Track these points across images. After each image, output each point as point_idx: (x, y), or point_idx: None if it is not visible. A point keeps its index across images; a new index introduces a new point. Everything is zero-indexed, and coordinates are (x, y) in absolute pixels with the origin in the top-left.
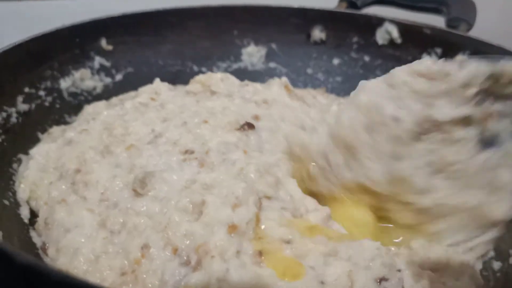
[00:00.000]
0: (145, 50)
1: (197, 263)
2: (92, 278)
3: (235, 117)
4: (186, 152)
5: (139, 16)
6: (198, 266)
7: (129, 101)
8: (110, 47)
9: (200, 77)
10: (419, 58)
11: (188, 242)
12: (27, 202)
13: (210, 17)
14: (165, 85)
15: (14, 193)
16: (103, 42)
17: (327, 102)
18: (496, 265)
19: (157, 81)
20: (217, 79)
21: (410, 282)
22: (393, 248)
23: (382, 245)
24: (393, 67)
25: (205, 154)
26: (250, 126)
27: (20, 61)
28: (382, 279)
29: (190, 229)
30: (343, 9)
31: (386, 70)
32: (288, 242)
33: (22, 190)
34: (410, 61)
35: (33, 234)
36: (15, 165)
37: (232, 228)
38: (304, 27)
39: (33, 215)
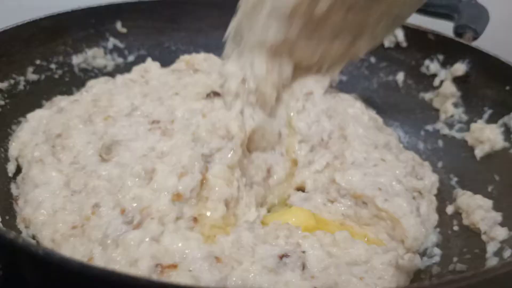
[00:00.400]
0: (158, 35)
1: (139, 223)
2: (47, 229)
3: (205, 88)
4: (153, 122)
5: (155, 3)
6: (138, 226)
7: (120, 77)
8: (124, 30)
9: (185, 56)
10: (422, 63)
11: (135, 204)
12: (16, 159)
13: (224, 8)
14: (156, 64)
15: (7, 149)
16: (118, 25)
17: None
18: (435, 270)
19: (148, 60)
20: (200, 59)
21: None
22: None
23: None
24: (396, 71)
25: (170, 123)
26: (216, 94)
27: (33, 36)
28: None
29: (138, 193)
30: None
31: (389, 73)
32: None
33: (13, 148)
34: (413, 66)
35: (12, 186)
36: (14, 127)
37: (177, 196)
38: None
39: (19, 171)
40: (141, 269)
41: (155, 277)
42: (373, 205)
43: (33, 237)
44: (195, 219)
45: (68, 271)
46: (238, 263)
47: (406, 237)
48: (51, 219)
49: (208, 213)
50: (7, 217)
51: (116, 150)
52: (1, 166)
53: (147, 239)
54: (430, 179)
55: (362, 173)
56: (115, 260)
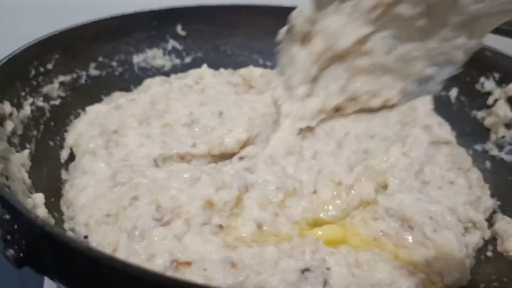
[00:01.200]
0: (216, 39)
1: (167, 221)
2: (84, 213)
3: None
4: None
5: (215, 8)
6: (166, 223)
7: (177, 81)
8: (184, 33)
9: (243, 71)
10: (477, 80)
11: (171, 203)
12: (71, 148)
13: (282, 16)
14: (210, 71)
15: (63, 138)
16: (179, 28)
17: None
18: None
19: (204, 66)
20: (257, 75)
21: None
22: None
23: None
24: (450, 86)
25: None
26: None
27: (97, 34)
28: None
29: (177, 195)
30: None
31: (443, 88)
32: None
33: (70, 137)
34: (468, 82)
35: (63, 172)
36: (72, 117)
37: (209, 204)
38: None
39: (71, 159)
40: (157, 264)
41: (169, 272)
42: (421, 232)
43: (71, 219)
44: (220, 227)
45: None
46: (256, 273)
47: (447, 273)
48: (90, 203)
49: (237, 227)
50: (52, 199)
51: (171, 162)
52: (55, 152)
53: (170, 236)
54: (485, 205)
55: (415, 198)
56: (136, 253)
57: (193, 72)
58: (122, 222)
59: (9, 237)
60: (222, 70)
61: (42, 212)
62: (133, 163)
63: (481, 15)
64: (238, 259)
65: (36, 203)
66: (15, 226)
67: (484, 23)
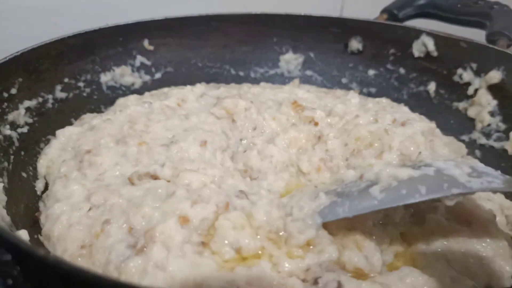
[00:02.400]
0: (185, 52)
1: (142, 247)
2: (60, 245)
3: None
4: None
5: (182, 20)
6: (142, 250)
7: (158, 102)
8: (151, 47)
9: (227, 103)
10: (454, 72)
11: (143, 223)
12: (44, 177)
13: (251, 24)
14: (195, 93)
15: (35, 168)
16: (146, 43)
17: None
18: None
19: (187, 88)
20: (241, 109)
21: None
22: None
23: None
24: (428, 80)
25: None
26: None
27: (62, 54)
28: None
29: (149, 213)
30: (382, 20)
31: (420, 83)
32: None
33: (41, 165)
34: (445, 75)
35: (41, 204)
36: (42, 144)
37: (183, 220)
38: (342, 37)
39: (47, 188)
40: None
41: None
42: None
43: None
44: (203, 244)
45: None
46: None
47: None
48: (65, 233)
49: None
50: (35, 236)
51: (147, 179)
52: (29, 184)
53: (150, 266)
54: None
55: None
56: None
57: (175, 93)
58: (96, 254)
59: (10, 282)
60: (199, 86)
61: None
62: (108, 183)
63: None
64: (244, 281)
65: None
66: (18, 268)
67: None
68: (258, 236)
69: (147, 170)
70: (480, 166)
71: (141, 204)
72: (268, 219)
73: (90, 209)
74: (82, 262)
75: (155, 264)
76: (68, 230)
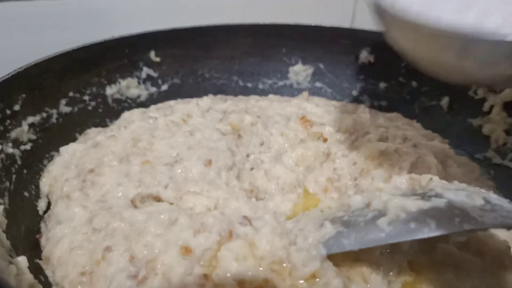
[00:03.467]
0: (192, 63)
1: (143, 278)
2: (60, 270)
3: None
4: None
5: (189, 31)
6: (143, 281)
7: (163, 117)
8: (158, 59)
9: (232, 119)
10: (469, 87)
11: (145, 252)
12: (47, 196)
13: (259, 35)
14: (200, 107)
15: (38, 186)
16: (152, 54)
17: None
18: None
19: (193, 102)
20: (247, 124)
21: None
22: None
23: None
24: (441, 95)
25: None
26: None
27: (66, 68)
28: None
29: (152, 242)
30: None
31: (433, 97)
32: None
33: (43, 183)
34: (459, 90)
35: (43, 225)
36: (45, 161)
37: (185, 250)
38: (353, 49)
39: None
40: None
41: None
42: None
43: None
44: (205, 276)
45: None
46: None
47: None
48: (66, 257)
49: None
50: (36, 260)
51: (150, 201)
52: (31, 204)
53: None
54: None
55: None
56: None
57: (180, 108)
58: (96, 283)
59: None
60: (205, 100)
61: (28, 278)
62: (111, 205)
63: None
64: None
65: (20, 268)
66: None
67: None
68: (261, 268)
69: (150, 192)
70: (494, 197)
71: (143, 231)
72: (271, 249)
73: (92, 232)
74: None
75: None
76: (69, 254)
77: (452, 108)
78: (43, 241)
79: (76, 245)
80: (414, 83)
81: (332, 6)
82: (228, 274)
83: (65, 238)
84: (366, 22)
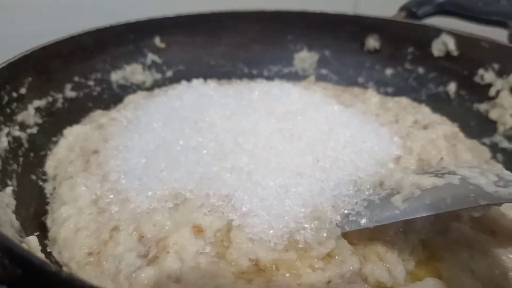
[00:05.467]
0: (198, 50)
1: (154, 257)
2: (65, 253)
3: None
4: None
5: (195, 17)
6: (154, 260)
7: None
8: (163, 45)
9: None
10: (475, 72)
11: (155, 232)
12: (54, 178)
13: (265, 21)
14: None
15: (44, 169)
16: (157, 40)
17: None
18: None
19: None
20: None
21: None
22: None
23: None
24: (447, 81)
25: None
26: None
27: (73, 52)
28: None
29: (161, 220)
30: (401, 18)
31: (440, 83)
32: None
33: (49, 166)
34: (466, 75)
35: (49, 207)
36: (51, 145)
37: (197, 230)
38: (359, 35)
39: None
40: None
41: None
42: None
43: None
44: (218, 254)
45: None
46: None
47: None
48: (71, 239)
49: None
50: (45, 241)
51: None
52: (38, 187)
53: (163, 277)
54: None
55: None
56: None
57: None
58: (105, 263)
59: None
60: (210, 83)
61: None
62: (116, 185)
63: None
64: None
65: (32, 247)
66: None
67: None
68: (277, 247)
69: None
70: (507, 174)
71: (150, 209)
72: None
73: (98, 212)
74: (90, 270)
75: (168, 275)
76: (75, 234)
77: (458, 94)
78: (48, 223)
79: (82, 226)
80: (420, 70)
81: None
82: (243, 253)
83: (70, 219)
84: (369, 8)
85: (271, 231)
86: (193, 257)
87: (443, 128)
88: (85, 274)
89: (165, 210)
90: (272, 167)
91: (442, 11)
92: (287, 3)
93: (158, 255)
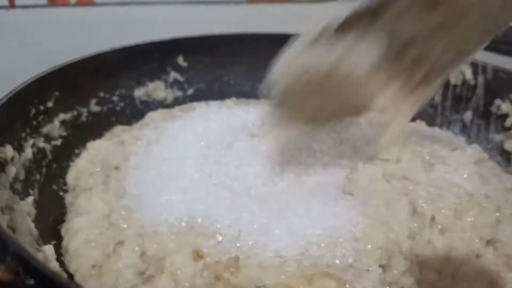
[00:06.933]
0: (219, 69)
1: (150, 276)
2: (73, 264)
3: None
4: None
5: (217, 38)
6: (149, 279)
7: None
8: (185, 64)
9: None
10: (492, 103)
11: (156, 250)
12: (74, 189)
13: (285, 43)
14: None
15: (66, 180)
16: (180, 59)
17: None
18: None
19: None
20: None
21: None
22: None
23: None
24: (464, 109)
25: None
26: None
27: (99, 69)
28: None
29: (165, 241)
30: None
31: (456, 112)
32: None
33: (70, 176)
34: (483, 105)
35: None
36: (74, 157)
37: (197, 255)
38: None
39: None
40: None
41: None
42: None
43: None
44: (217, 278)
45: None
46: None
47: None
48: (81, 251)
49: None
50: (61, 250)
51: None
52: (59, 197)
53: None
54: None
55: None
56: None
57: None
58: (105, 277)
59: None
60: (228, 102)
61: (54, 266)
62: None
63: None
64: None
65: (47, 256)
66: None
67: None
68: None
69: None
70: None
71: (157, 231)
72: None
73: (108, 228)
74: (90, 283)
75: None
76: (85, 247)
77: (474, 123)
78: (62, 232)
79: (91, 238)
80: (437, 97)
81: None
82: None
83: (82, 230)
84: None
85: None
86: (188, 280)
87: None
88: (87, 286)
89: (171, 232)
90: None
91: None
92: (306, 26)
93: (154, 274)
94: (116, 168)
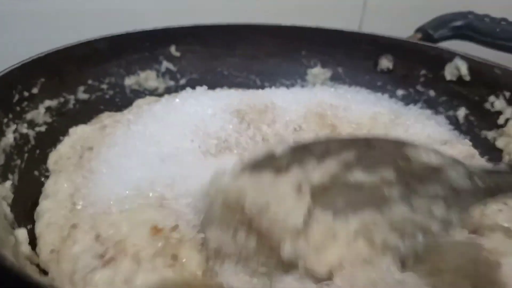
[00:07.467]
0: (212, 60)
1: (110, 259)
2: (37, 250)
3: None
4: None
5: (211, 28)
6: (109, 262)
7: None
8: (178, 54)
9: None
10: (486, 99)
11: (111, 232)
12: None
13: (281, 36)
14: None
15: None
16: (173, 49)
17: None
18: None
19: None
20: None
21: None
22: None
23: None
24: (457, 106)
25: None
26: None
27: (87, 56)
28: None
29: (118, 221)
30: (416, 40)
31: (450, 108)
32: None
33: (50, 161)
34: (476, 101)
35: None
36: (58, 144)
37: (155, 230)
38: (373, 55)
39: None
40: None
41: None
42: None
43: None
44: (174, 257)
45: None
46: None
47: None
48: (44, 233)
49: (184, 260)
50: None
51: None
52: (40, 183)
53: (117, 281)
54: None
55: None
56: None
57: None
58: (63, 262)
59: None
60: (219, 91)
61: (25, 250)
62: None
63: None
64: None
65: (19, 240)
66: None
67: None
68: None
69: None
70: None
71: (107, 210)
72: None
73: (70, 209)
74: (52, 267)
75: (123, 278)
76: (46, 230)
77: (468, 119)
78: (35, 215)
79: (52, 221)
80: (432, 93)
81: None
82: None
83: (47, 213)
84: (373, 28)
85: None
86: (150, 259)
87: (462, 148)
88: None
89: (123, 209)
90: None
91: (459, 35)
92: (302, 19)
93: (115, 257)
94: (90, 148)
